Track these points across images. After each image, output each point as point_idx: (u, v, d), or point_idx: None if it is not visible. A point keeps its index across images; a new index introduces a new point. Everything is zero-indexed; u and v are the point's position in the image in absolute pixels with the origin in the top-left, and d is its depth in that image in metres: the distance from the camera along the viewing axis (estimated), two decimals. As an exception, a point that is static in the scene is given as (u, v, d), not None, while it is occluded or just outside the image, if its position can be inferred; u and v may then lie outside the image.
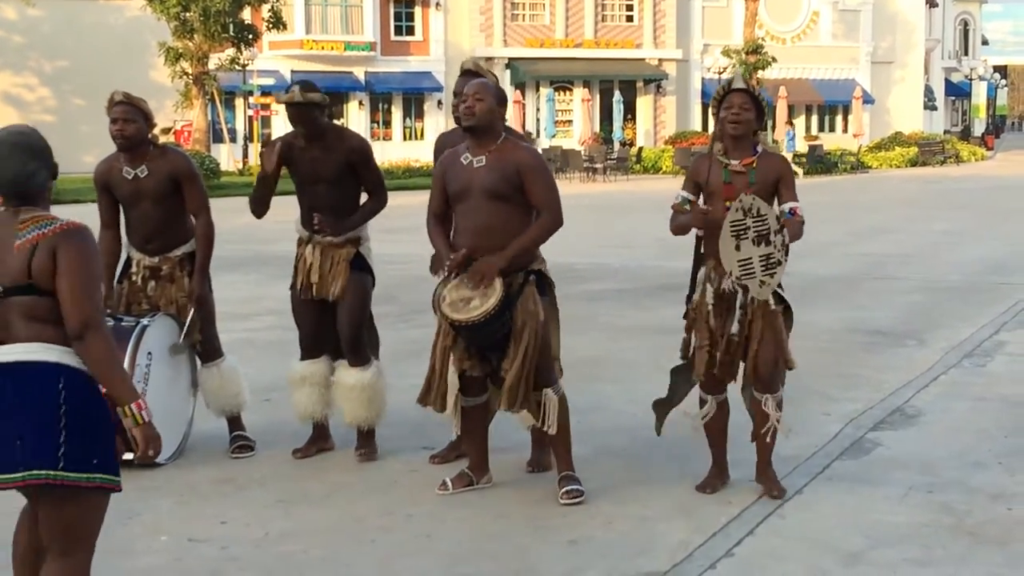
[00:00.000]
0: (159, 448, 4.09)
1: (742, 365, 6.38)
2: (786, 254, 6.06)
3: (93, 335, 3.92)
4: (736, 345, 6.24)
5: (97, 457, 3.97)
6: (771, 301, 6.21)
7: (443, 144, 7.04)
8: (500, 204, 6.17)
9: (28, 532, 4.28)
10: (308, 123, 6.92)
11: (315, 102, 6.89)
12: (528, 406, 6.26)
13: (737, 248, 6.03)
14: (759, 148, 6.34)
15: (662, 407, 6.71)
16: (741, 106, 6.24)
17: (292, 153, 7.04)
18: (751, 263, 6.03)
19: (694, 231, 6.38)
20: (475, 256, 6.15)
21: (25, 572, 4.30)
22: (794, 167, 6.36)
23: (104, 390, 3.98)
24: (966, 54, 74.79)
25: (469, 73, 6.83)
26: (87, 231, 4.04)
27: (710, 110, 6.53)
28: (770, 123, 46.29)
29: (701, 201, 6.37)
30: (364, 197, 7.20)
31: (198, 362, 7.33)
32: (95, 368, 3.94)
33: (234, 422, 7.39)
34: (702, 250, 6.38)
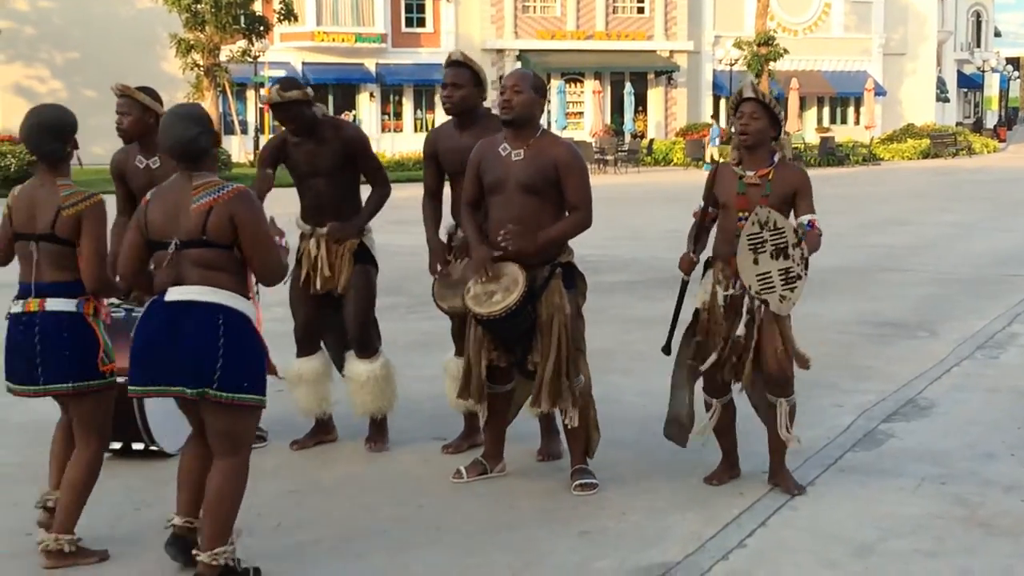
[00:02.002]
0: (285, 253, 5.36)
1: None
2: (806, 268, 6.00)
3: (277, 272, 5.04)
4: (742, 348, 6.20)
5: (247, 381, 4.91)
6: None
7: (435, 139, 7.01)
8: (534, 198, 6.17)
9: (62, 437, 5.54)
10: (294, 120, 6.93)
11: (294, 99, 6.85)
12: (569, 401, 6.23)
13: (755, 262, 5.98)
14: (776, 158, 6.23)
15: (679, 429, 6.59)
16: (751, 115, 6.16)
17: (287, 149, 7.04)
18: (770, 277, 5.99)
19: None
20: (504, 253, 6.14)
21: (58, 467, 5.50)
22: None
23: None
24: (979, 46, 74.52)
25: (457, 64, 6.81)
26: (252, 192, 4.99)
27: (724, 108, 6.48)
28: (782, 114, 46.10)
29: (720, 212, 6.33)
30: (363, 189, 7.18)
31: None
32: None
33: None
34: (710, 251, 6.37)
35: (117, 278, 5.34)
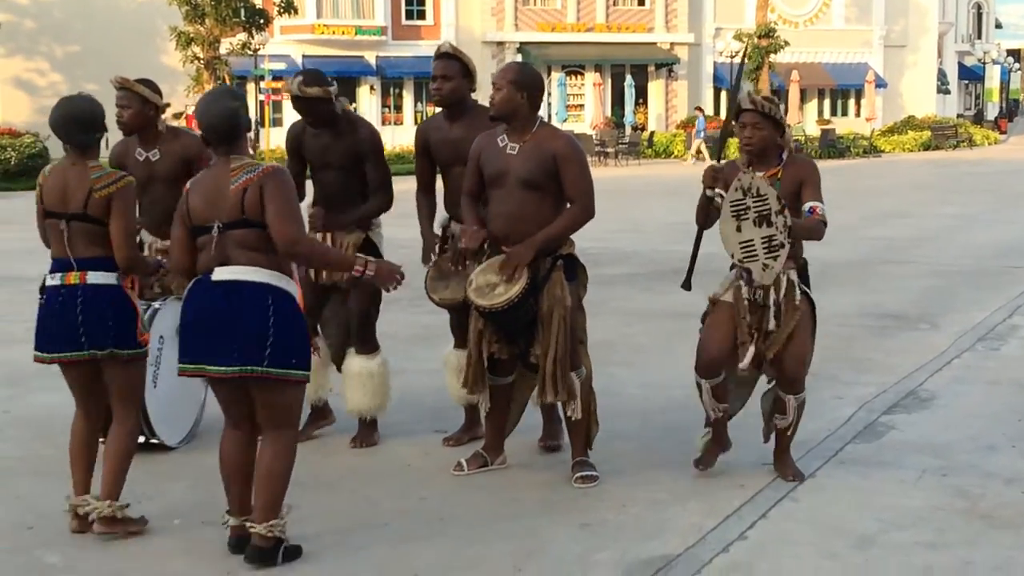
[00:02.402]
0: (401, 277, 5.37)
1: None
2: (789, 236, 5.95)
3: (301, 245, 5.10)
4: (772, 341, 6.17)
5: (295, 357, 5.10)
6: (797, 297, 6.14)
7: (425, 131, 6.98)
8: (534, 192, 6.16)
9: (82, 439, 5.69)
10: (312, 114, 6.90)
11: (313, 96, 6.80)
12: (568, 393, 6.24)
13: (738, 230, 5.96)
14: (784, 155, 6.21)
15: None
16: (753, 126, 6.14)
17: (303, 138, 7.04)
18: (753, 246, 5.97)
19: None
20: (505, 244, 6.15)
21: (82, 468, 5.67)
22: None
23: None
24: (979, 37, 74.37)
25: (446, 56, 6.80)
26: (284, 170, 5.20)
27: (724, 100, 6.45)
28: (783, 107, 46.05)
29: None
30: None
31: None
32: (315, 264, 5.45)
33: None
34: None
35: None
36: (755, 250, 5.97)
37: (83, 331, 5.51)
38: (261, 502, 5.19)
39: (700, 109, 46.27)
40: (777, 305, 6.11)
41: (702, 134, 43.24)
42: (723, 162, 6.35)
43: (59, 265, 5.58)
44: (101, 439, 5.77)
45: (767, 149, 6.18)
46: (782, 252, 5.96)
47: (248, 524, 5.22)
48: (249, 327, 5.02)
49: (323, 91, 6.81)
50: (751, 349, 6.17)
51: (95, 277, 5.53)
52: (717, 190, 6.20)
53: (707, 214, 6.33)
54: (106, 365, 5.60)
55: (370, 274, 5.30)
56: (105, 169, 5.58)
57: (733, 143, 6.61)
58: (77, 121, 5.54)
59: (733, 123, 6.27)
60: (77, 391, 5.72)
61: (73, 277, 5.53)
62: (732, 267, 6.28)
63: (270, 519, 5.16)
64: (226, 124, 5.12)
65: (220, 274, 5.08)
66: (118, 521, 5.55)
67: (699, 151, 42.62)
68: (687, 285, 6.59)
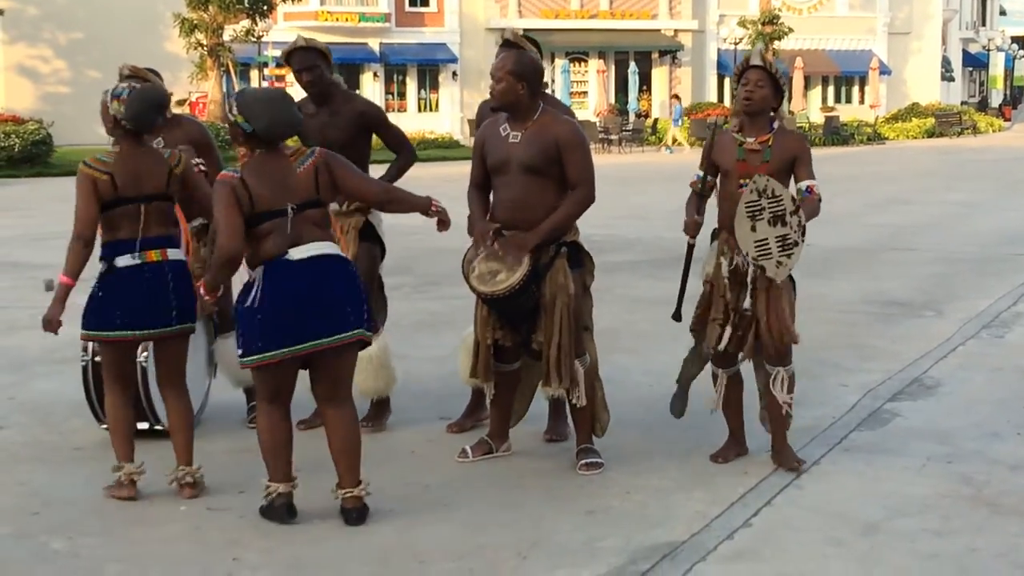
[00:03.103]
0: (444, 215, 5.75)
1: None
2: (803, 235, 6.02)
3: (390, 192, 5.81)
4: (749, 320, 6.21)
5: (370, 320, 5.56)
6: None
7: (484, 111, 6.99)
8: (537, 178, 6.15)
9: (127, 411, 6.01)
10: (311, 71, 6.88)
11: (316, 47, 6.91)
12: (572, 381, 6.24)
13: (753, 229, 6.01)
14: (775, 125, 6.28)
15: (680, 400, 6.68)
16: (756, 83, 6.20)
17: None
18: (767, 244, 6.01)
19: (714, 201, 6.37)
20: (509, 230, 6.14)
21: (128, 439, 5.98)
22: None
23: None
24: (984, 24, 74.29)
25: (508, 44, 6.78)
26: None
27: (728, 87, 6.48)
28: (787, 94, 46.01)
29: (718, 180, 6.34)
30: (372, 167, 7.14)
31: (215, 333, 7.33)
32: (404, 208, 5.74)
33: (251, 392, 7.38)
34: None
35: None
36: (769, 248, 6.02)
37: (175, 306, 5.87)
38: (351, 469, 5.58)
39: (676, 96, 46.17)
40: (753, 283, 6.14)
41: (679, 122, 43.24)
42: (713, 124, 6.41)
43: (130, 246, 5.78)
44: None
45: (763, 112, 6.24)
46: (796, 250, 6.02)
47: (346, 493, 5.57)
48: (350, 295, 5.44)
49: (324, 46, 6.94)
50: (728, 329, 6.22)
51: (174, 254, 5.91)
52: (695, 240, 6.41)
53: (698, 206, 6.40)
54: (179, 339, 6.00)
55: (441, 209, 5.71)
56: (163, 149, 6.07)
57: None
58: (161, 107, 6.01)
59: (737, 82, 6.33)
60: (163, 366, 6.06)
61: (155, 255, 5.81)
62: (712, 241, 6.31)
63: (360, 482, 5.60)
64: (294, 130, 5.56)
65: (303, 252, 5.37)
66: (199, 483, 6.00)
67: (675, 139, 42.52)
68: (677, 316, 6.65)
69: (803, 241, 6.03)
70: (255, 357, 5.39)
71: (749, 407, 6.56)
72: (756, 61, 6.28)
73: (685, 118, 44.71)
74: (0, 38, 44.84)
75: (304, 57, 6.93)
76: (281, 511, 5.58)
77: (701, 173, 6.38)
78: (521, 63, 6.25)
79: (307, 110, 6.98)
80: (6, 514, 5.80)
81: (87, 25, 45.47)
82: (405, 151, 7.16)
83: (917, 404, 7.71)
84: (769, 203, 5.98)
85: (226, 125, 5.74)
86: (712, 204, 6.41)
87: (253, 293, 5.38)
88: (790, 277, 6.25)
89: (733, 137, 6.26)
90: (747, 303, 6.17)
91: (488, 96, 6.91)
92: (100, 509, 5.80)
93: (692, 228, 6.37)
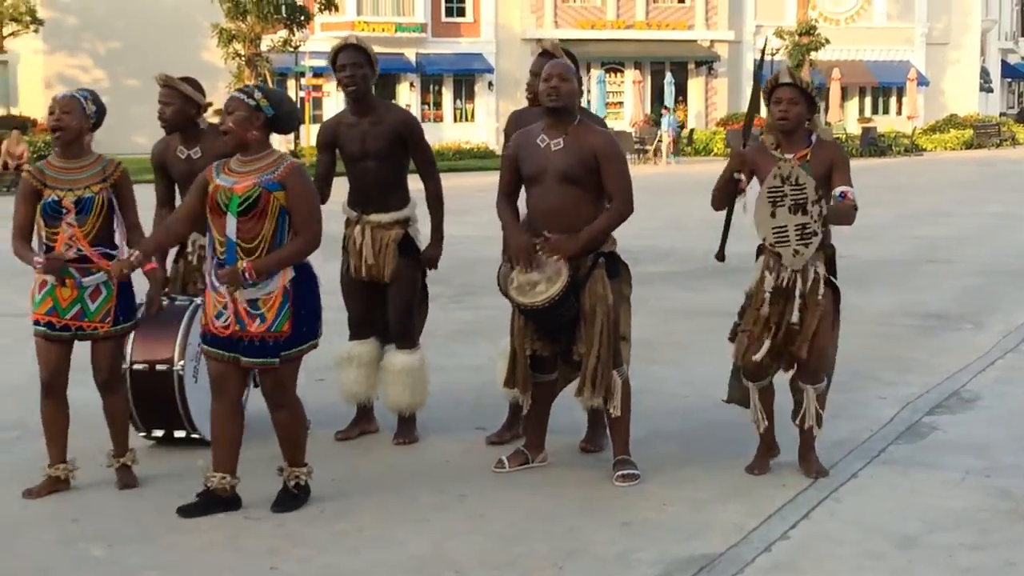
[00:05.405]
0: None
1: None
2: (823, 225, 6.00)
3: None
4: (796, 334, 6.18)
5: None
6: (821, 291, 6.14)
7: (518, 122, 6.99)
8: (573, 188, 6.16)
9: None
10: (355, 72, 6.90)
11: (367, 50, 6.94)
12: (608, 391, 6.24)
13: (772, 215, 6.02)
14: (813, 138, 6.25)
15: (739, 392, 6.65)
16: (789, 101, 6.19)
17: (339, 130, 7.06)
18: (786, 231, 6.01)
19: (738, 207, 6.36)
20: (544, 239, 6.15)
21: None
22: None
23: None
24: (1023, 35, 73.74)
25: (546, 54, 6.81)
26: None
27: (761, 99, 6.46)
28: (823, 105, 45.87)
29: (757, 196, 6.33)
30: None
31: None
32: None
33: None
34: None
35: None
36: (787, 235, 6.02)
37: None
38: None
39: (667, 108, 46.02)
40: (802, 297, 6.12)
41: (675, 132, 43.15)
42: (748, 145, 6.39)
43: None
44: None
45: (799, 128, 6.22)
46: (814, 240, 6.02)
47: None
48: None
49: (372, 52, 6.96)
50: (767, 343, 6.20)
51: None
52: (742, 175, 6.33)
53: (725, 194, 6.39)
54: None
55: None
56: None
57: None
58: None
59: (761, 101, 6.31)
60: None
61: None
62: (757, 256, 6.30)
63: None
64: (299, 125, 5.95)
65: None
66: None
67: (657, 151, 42.28)
68: (721, 256, 6.67)
69: (821, 232, 6.01)
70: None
71: (783, 422, 6.53)
72: (785, 78, 6.26)
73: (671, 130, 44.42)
74: (40, 48, 45.24)
75: (352, 55, 6.96)
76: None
77: (734, 173, 6.36)
78: (574, 71, 6.33)
79: (347, 120, 7.02)
80: (47, 520, 5.84)
81: (126, 35, 45.83)
82: (431, 177, 7.07)
83: (956, 417, 7.66)
84: (792, 190, 5.97)
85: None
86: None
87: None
88: (836, 293, 6.22)
89: (772, 154, 6.23)
90: (795, 317, 6.14)
91: (524, 105, 6.94)
92: (139, 516, 5.84)
93: (737, 161, 6.32)
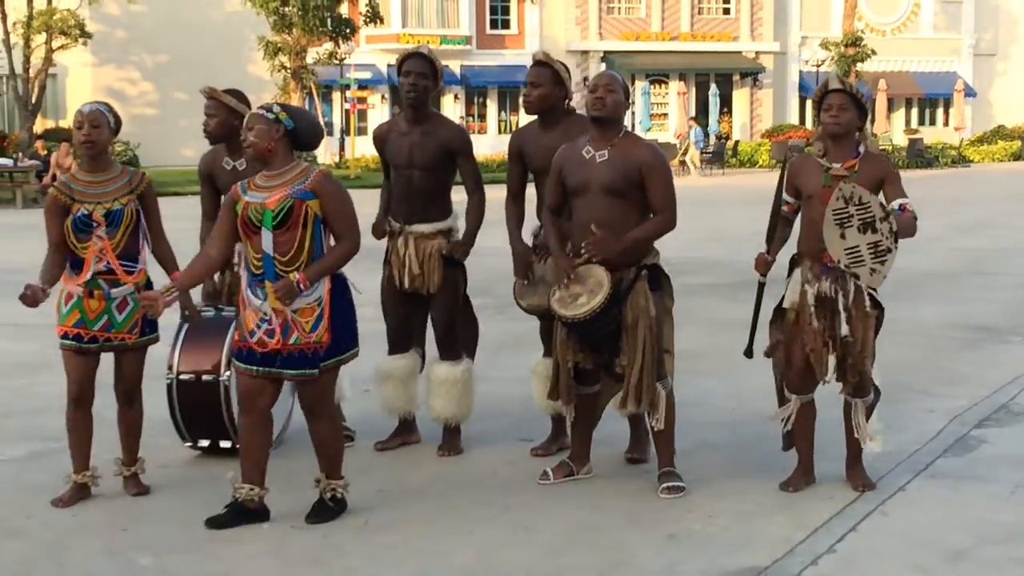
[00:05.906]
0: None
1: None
2: (895, 241, 5.95)
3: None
4: (850, 346, 6.14)
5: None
6: (867, 303, 6.12)
7: (519, 138, 7.00)
8: (618, 200, 6.16)
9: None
10: (416, 78, 6.94)
11: (434, 61, 7.01)
12: (652, 403, 6.23)
13: (842, 236, 5.95)
14: (861, 149, 6.23)
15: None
16: (840, 107, 6.16)
17: (389, 136, 7.09)
18: (859, 251, 5.95)
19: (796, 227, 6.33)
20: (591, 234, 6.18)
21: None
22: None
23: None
24: (1072, 46, 73.00)
25: (540, 64, 6.85)
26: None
27: (810, 109, 6.45)
28: (869, 116, 45.56)
29: (801, 205, 6.30)
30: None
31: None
32: None
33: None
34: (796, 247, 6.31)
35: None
36: (861, 256, 5.96)
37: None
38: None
39: (694, 119, 45.74)
40: (848, 311, 6.08)
41: (701, 144, 42.84)
42: (794, 157, 6.38)
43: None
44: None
45: (849, 135, 6.19)
46: (889, 257, 5.96)
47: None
48: None
49: (439, 64, 7.04)
50: (832, 358, 6.16)
51: None
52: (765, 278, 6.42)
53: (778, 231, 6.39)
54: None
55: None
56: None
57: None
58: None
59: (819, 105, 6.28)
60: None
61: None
62: (790, 272, 6.26)
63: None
64: (320, 140, 5.96)
65: None
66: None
67: (693, 163, 41.94)
68: (749, 352, 6.58)
69: (896, 248, 5.97)
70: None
71: (829, 437, 6.49)
72: (835, 85, 6.24)
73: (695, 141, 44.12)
74: (89, 61, 45.65)
75: (419, 63, 7.01)
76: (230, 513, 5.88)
77: (782, 198, 6.34)
78: (622, 83, 6.35)
79: (399, 128, 7.05)
80: (95, 529, 5.89)
81: (173, 48, 46.18)
82: (476, 191, 7.09)
83: (1004, 431, 7.59)
84: (857, 210, 5.92)
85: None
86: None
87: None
88: (879, 308, 6.18)
89: (818, 162, 6.22)
90: (844, 330, 6.10)
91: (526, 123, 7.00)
92: (186, 526, 5.87)
93: (763, 266, 6.35)
